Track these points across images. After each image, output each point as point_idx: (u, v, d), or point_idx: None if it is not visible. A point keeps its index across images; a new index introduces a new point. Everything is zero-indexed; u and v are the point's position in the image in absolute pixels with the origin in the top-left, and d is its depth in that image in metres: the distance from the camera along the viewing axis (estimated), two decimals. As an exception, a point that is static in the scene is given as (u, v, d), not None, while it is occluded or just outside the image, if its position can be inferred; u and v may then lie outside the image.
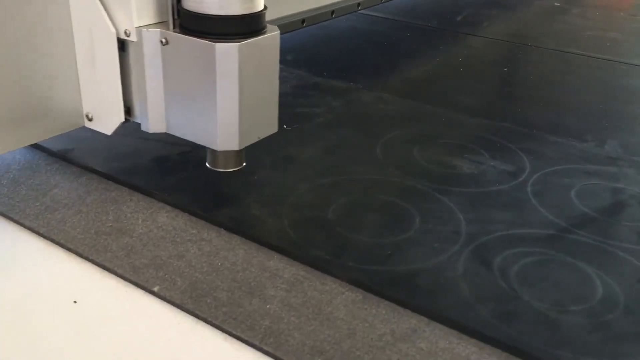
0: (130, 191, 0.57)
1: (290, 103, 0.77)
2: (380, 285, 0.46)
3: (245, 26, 0.48)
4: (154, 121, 0.52)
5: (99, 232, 0.51)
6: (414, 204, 0.57)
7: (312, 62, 0.93)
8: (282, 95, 0.80)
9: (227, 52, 0.47)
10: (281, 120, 0.73)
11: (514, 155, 0.67)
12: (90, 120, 0.54)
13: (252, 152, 0.64)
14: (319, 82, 0.85)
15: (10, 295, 0.45)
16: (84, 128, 0.65)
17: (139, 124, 0.54)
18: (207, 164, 0.54)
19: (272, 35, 0.50)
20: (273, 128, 0.54)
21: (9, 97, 0.49)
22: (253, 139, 0.52)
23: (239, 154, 0.53)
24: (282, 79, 0.85)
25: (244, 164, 0.54)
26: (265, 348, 0.41)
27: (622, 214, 0.57)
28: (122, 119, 0.53)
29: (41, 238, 0.51)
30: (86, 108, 0.54)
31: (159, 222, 0.53)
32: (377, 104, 0.79)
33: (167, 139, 0.61)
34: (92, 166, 0.60)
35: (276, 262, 0.49)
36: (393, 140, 0.69)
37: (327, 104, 0.78)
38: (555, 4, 1.41)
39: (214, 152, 0.53)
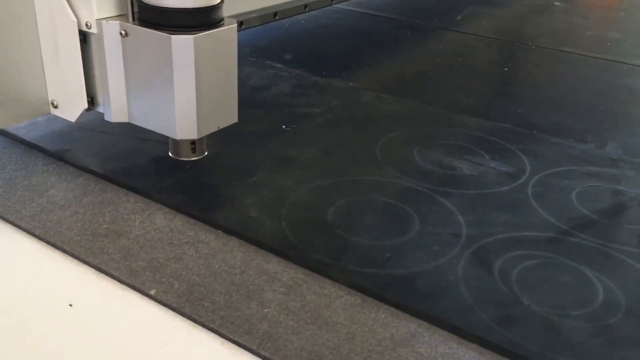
0: (127, 192, 0.57)
1: (288, 103, 0.77)
2: (379, 289, 0.46)
3: (201, 19, 0.50)
4: (116, 111, 0.54)
5: (96, 233, 0.51)
6: (414, 206, 0.56)
7: (311, 61, 0.92)
8: (280, 94, 0.80)
9: (182, 43, 0.48)
10: (279, 120, 0.73)
11: (514, 157, 0.66)
12: (55, 107, 0.56)
13: (250, 153, 0.64)
14: (317, 81, 0.84)
15: (5, 298, 0.44)
16: (82, 127, 0.65)
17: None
18: (169, 154, 0.57)
19: (230, 28, 0.51)
20: (233, 118, 0.56)
21: None
22: (212, 128, 0.54)
23: (200, 143, 0.56)
24: (281, 79, 0.84)
25: (206, 152, 0.57)
26: (263, 353, 0.40)
27: (623, 217, 0.57)
28: (85, 106, 0.54)
29: (37, 240, 0.50)
30: (51, 95, 0.56)
31: (156, 224, 0.52)
32: (377, 103, 0.79)
33: (164, 139, 0.60)
34: (89, 167, 0.59)
35: (274, 265, 0.48)
36: (392, 141, 0.69)
37: (326, 103, 0.77)
38: (555, 2, 1.40)
39: (175, 141, 0.56)
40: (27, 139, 0.63)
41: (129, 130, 0.66)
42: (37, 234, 0.50)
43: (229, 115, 0.55)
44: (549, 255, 0.51)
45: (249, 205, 0.55)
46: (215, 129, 0.54)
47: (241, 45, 0.89)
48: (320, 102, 0.77)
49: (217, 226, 0.52)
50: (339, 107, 0.76)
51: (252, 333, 0.42)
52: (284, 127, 0.70)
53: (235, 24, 0.52)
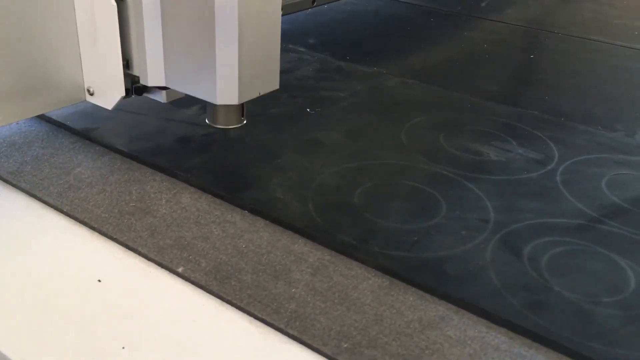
0: (154, 171, 0.57)
1: (313, 86, 0.76)
2: (407, 272, 0.45)
3: None
4: (152, 74, 0.51)
5: (123, 211, 0.51)
6: (441, 191, 0.55)
7: (335, 45, 0.92)
8: (304, 78, 0.80)
9: (226, 1, 0.45)
10: (304, 104, 0.73)
11: (542, 143, 0.65)
12: (91, 94, 0.54)
13: (275, 136, 0.63)
14: (342, 66, 0.84)
15: (34, 273, 0.45)
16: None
17: (158, 103, 0.54)
18: (206, 121, 0.53)
19: None
20: (274, 84, 0.52)
21: (10, 70, 0.49)
22: (253, 94, 0.50)
23: (239, 110, 0.52)
24: (305, 62, 0.84)
25: (245, 121, 0.53)
26: (290, 332, 0.40)
27: (654, 205, 0.56)
28: (123, 94, 0.52)
29: (65, 216, 0.50)
30: (87, 82, 0.54)
31: (183, 203, 0.52)
32: (401, 89, 0.78)
33: (191, 120, 0.60)
34: (115, 146, 0.59)
35: (301, 246, 0.48)
36: (418, 126, 0.68)
37: (351, 88, 0.77)
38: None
39: (214, 107, 0.52)
40: (54, 117, 0.64)
41: (155, 110, 0.66)
42: (64, 210, 0.51)
43: (271, 81, 0.51)
44: (579, 242, 0.50)
45: (275, 187, 0.54)
46: (257, 95, 0.50)
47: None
48: (344, 86, 0.77)
49: (243, 206, 0.52)
50: (363, 92, 0.76)
51: (280, 312, 0.41)
52: (308, 110, 0.70)
53: None
